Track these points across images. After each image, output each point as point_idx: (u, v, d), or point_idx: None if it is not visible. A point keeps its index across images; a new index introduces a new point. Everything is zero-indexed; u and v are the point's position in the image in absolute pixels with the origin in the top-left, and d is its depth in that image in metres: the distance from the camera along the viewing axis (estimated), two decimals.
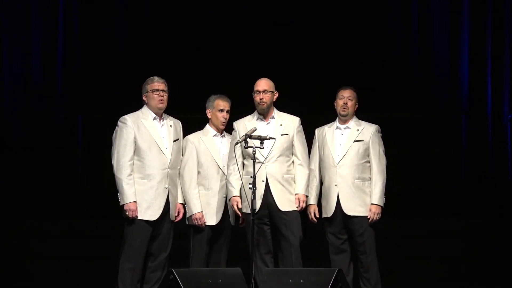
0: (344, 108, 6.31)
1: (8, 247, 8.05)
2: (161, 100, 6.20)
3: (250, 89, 6.35)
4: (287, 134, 6.25)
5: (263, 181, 6.15)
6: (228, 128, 6.46)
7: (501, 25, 9.56)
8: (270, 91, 6.26)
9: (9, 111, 9.52)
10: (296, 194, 6.21)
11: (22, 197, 9.24)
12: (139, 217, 6.07)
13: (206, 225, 6.27)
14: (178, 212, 6.27)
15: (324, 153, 6.31)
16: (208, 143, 6.36)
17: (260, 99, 6.23)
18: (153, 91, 6.21)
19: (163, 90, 6.21)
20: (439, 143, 9.60)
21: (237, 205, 6.18)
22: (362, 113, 6.48)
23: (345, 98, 6.30)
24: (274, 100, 6.31)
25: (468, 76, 9.65)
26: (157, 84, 6.22)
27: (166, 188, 6.15)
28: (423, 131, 9.63)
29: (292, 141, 6.26)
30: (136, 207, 6.06)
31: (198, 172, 6.32)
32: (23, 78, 9.65)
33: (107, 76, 9.75)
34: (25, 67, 9.67)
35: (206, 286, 5.63)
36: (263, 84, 6.26)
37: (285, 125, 6.26)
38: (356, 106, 6.37)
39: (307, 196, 6.25)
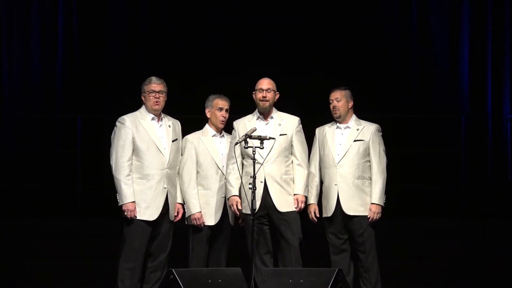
0: (335, 111, 6.32)
1: (8, 247, 8.05)
2: (157, 102, 6.19)
3: (249, 89, 6.35)
4: (286, 134, 6.24)
5: (261, 182, 6.15)
6: (228, 128, 6.46)
7: (501, 25, 9.56)
8: (273, 90, 6.28)
9: (9, 111, 9.50)
10: (294, 194, 6.21)
11: (22, 197, 9.24)
12: (138, 217, 6.07)
13: (205, 225, 6.27)
14: (178, 212, 6.27)
15: (324, 153, 6.31)
16: (207, 143, 6.36)
17: (263, 97, 6.23)
18: (149, 92, 6.20)
19: (159, 92, 6.20)
20: (439, 143, 9.60)
21: (236, 205, 6.18)
22: (362, 113, 6.47)
23: (334, 101, 6.31)
24: (275, 100, 6.32)
25: (468, 76, 9.65)
26: (154, 85, 6.21)
27: (164, 188, 6.15)
28: (423, 131, 9.62)
29: (291, 141, 6.26)
30: (135, 207, 6.06)
31: (197, 172, 6.32)
32: (22, 78, 9.65)
33: (106, 76, 9.75)
34: (24, 67, 9.66)
35: (206, 286, 5.62)
36: (267, 83, 6.28)
37: (284, 125, 6.26)
38: (351, 104, 6.35)
39: (306, 197, 6.25)
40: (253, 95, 6.33)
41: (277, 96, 6.32)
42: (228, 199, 6.26)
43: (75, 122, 9.38)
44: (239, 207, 6.19)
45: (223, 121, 6.39)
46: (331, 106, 6.34)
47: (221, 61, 9.68)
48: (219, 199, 6.31)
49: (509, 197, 9.15)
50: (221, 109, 6.36)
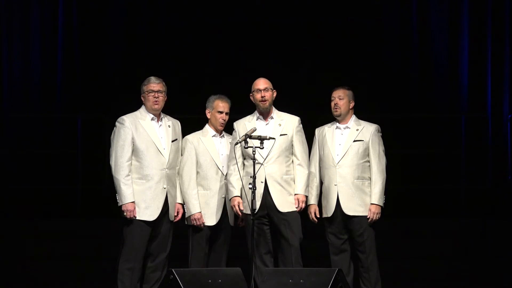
0: (335, 109, 6.31)
1: (8, 247, 8.05)
2: (156, 101, 6.18)
3: (250, 89, 6.34)
4: (286, 134, 6.24)
5: (262, 182, 6.14)
6: (228, 129, 6.45)
7: (501, 25, 9.56)
8: (270, 89, 6.27)
9: (9, 111, 9.51)
10: (295, 194, 6.21)
11: (22, 197, 9.23)
12: (137, 218, 6.07)
13: (205, 225, 6.27)
14: (178, 212, 6.27)
15: (324, 153, 6.30)
16: (207, 143, 6.35)
17: (262, 97, 6.22)
18: (148, 92, 6.19)
19: (158, 91, 6.19)
20: (439, 143, 9.60)
21: (238, 205, 6.18)
22: (362, 113, 6.47)
23: (336, 99, 6.31)
24: (273, 98, 6.31)
25: (468, 76, 9.65)
26: (153, 85, 6.20)
27: (164, 188, 6.14)
28: (423, 131, 9.62)
29: (291, 141, 6.25)
30: (134, 208, 6.06)
31: (197, 172, 6.32)
32: (22, 79, 9.65)
33: (106, 76, 9.75)
34: (24, 68, 9.66)
35: (206, 286, 5.62)
36: (263, 83, 6.27)
37: (284, 125, 6.26)
38: (352, 104, 6.34)
39: (306, 197, 6.25)
40: (251, 97, 6.32)
41: (275, 94, 6.32)
42: (230, 200, 6.25)
43: (75, 122, 9.38)
44: (241, 208, 6.19)
45: (222, 123, 6.38)
46: (332, 104, 6.33)
47: (221, 61, 9.68)
48: (219, 199, 6.31)
49: (509, 197, 9.15)
50: (221, 112, 6.35)
